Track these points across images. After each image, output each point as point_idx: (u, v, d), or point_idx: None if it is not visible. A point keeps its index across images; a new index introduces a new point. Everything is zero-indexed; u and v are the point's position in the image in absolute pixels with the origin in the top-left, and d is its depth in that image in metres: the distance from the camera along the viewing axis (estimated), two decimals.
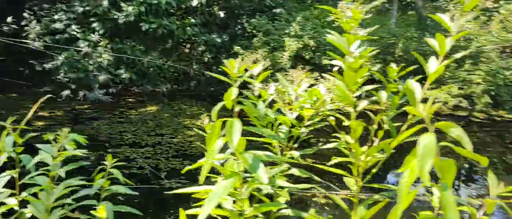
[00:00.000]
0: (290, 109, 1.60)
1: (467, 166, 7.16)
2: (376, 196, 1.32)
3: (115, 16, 10.52)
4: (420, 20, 12.46)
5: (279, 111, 1.62)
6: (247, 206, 1.16)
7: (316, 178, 1.57)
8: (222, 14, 11.95)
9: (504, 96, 10.02)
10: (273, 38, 11.38)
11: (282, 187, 1.55)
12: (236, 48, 11.30)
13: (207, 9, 12.04)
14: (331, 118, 1.51)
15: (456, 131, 0.74)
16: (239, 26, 12.64)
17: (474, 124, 9.24)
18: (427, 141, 0.71)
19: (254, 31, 11.62)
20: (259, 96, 1.49)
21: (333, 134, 1.56)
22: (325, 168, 1.44)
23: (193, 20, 11.57)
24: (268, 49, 11.24)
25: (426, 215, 0.77)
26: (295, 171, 1.61)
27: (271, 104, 1.58)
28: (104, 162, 1.78)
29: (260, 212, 1.33)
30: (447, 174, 0.74)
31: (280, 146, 1.63)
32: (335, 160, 1.41)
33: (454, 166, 0.75)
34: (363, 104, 1.37)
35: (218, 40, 11.61)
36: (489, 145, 8.15)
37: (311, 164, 1.60)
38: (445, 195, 0.70)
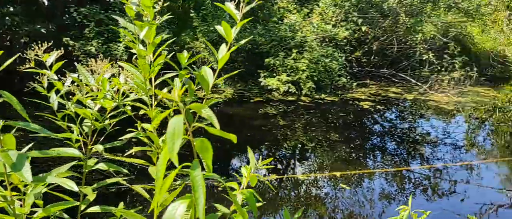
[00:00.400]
0: (93, 100, 1.51)
1: (300, 145, 7.86)
2: (178, 182, 1.33)
3: None
4: (253, 11, 13.21)
5: (80, 103, 1.52)
6: (28, 208, 1.06)
7: (125, 170, 1.53)
8: (46, 1, 10.85)
9: (325, 81, 11.28)
10: (107, 28, 10.81)
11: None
12: (65, 39, 10.41)
13: None
14: (128, 108, 1.47)
15: (206, 112, 0.78)
16: (67, 15, 11.64)
17: (302, 108, 10.17)
18: (176, 122, 0.72)
19: (85, 21, 10.85)
20: (50, 88, 1.37)
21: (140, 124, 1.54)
22: (122, 158, 1.40)
23: (12, 9, 10.27)
24: (102, 40, 10.63)
25: (187, 195, 0.80)
26: (102, 166, 1.54)
27: (68, 96, 1.47)
28: None
29: (56, 212, 1.23)
30: (205, 154, 0.78)
31: (84, 141, 1.54)
32: (135, 149, 1.39)
33: (210, 145, 0.79)
34: (164, 92, 1.36)
35: (43, 30, 10.53)
36: (314, 125, 9.06)
37: (110, 156, 1.55)
38: (193, 174, 0.73)
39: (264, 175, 6.40)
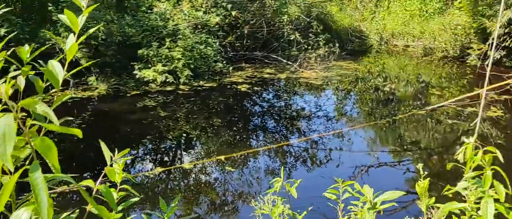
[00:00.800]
0: None
1: (184, 135, 7.77)
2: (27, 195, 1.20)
3: None
4: (120, 2, 12.57)
5: None
6: None
7: None
8: None
9: (202, 68, 11.28)
10: None
11: None
12: None
13: None
14: None
15: (41, 107, 0.71)
16: None
17: (182, 96, 10.06)
18: (5, 123, 0.64)
19: None
20: None
21: None
22: None
23: None
24: None
25: (31, 201, 0.72)
26: None
27: None
28: None
29: None
30: (48, 153, 0.70)
31: None
32: None
33: (52, 143, 0.72)
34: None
35: None
36: (196, 113, 9.03)
37: None
38: (32, 177, 0.66)
39: (151, 169, 6.23)
